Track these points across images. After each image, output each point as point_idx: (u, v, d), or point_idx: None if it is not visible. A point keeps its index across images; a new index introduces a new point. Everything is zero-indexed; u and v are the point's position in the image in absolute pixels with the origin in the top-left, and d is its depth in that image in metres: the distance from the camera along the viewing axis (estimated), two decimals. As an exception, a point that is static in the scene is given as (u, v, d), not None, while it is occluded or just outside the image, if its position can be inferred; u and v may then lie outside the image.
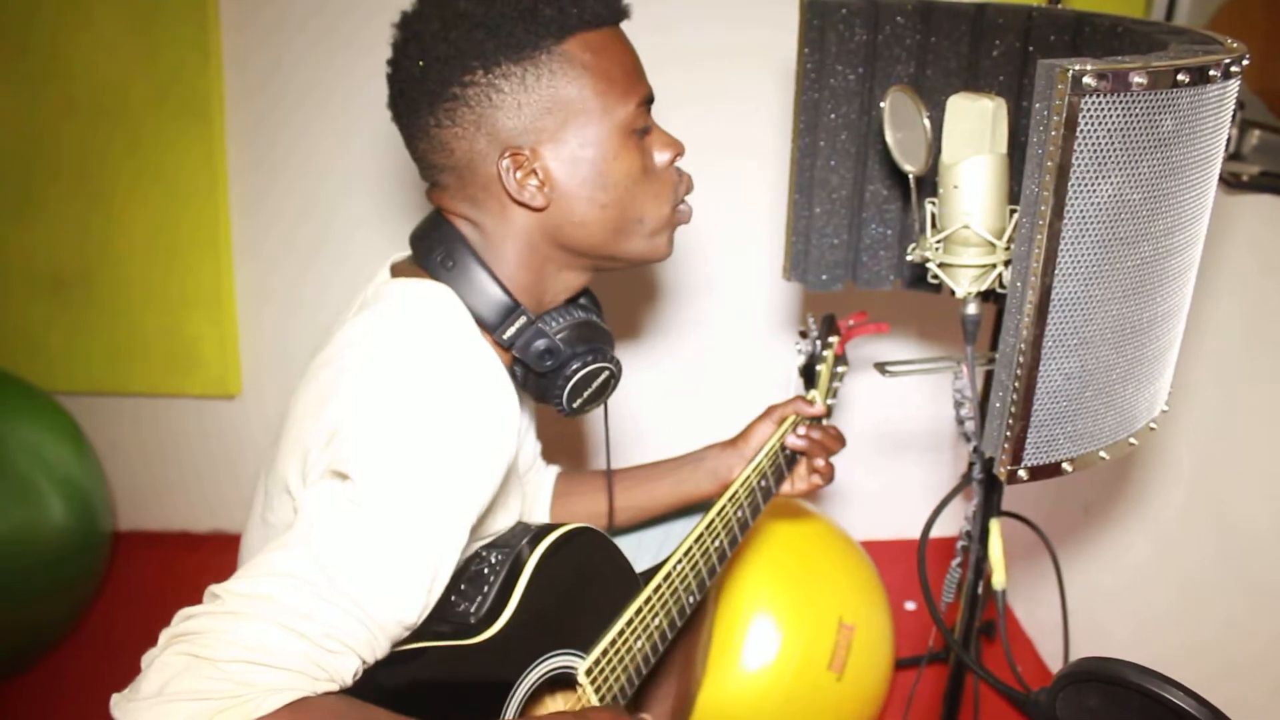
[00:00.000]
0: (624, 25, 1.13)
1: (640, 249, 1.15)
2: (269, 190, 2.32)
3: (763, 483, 1.41)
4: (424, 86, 1.05)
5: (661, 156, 1.15)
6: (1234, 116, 1.09)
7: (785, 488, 1.47)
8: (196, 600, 0.88)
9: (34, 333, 2.37)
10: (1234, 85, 1.05)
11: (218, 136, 2.24)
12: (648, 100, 1.13)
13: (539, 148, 1.06)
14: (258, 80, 2.23)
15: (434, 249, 1.11)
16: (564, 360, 1.14)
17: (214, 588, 0.87)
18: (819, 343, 1.55)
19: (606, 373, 1.18)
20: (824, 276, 1.60)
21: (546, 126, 1.05)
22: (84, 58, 2.17)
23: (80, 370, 2.40)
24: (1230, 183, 1.69)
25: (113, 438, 2.41)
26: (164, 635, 0.84)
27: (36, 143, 2.23)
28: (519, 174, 1.06)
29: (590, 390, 1.18)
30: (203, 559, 2.48)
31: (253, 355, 2.44)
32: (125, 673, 0.84)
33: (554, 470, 1.51)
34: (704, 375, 2.44)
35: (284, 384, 1.11)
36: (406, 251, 1.17)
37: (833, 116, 1.51)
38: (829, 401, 1.53)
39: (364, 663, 0.92)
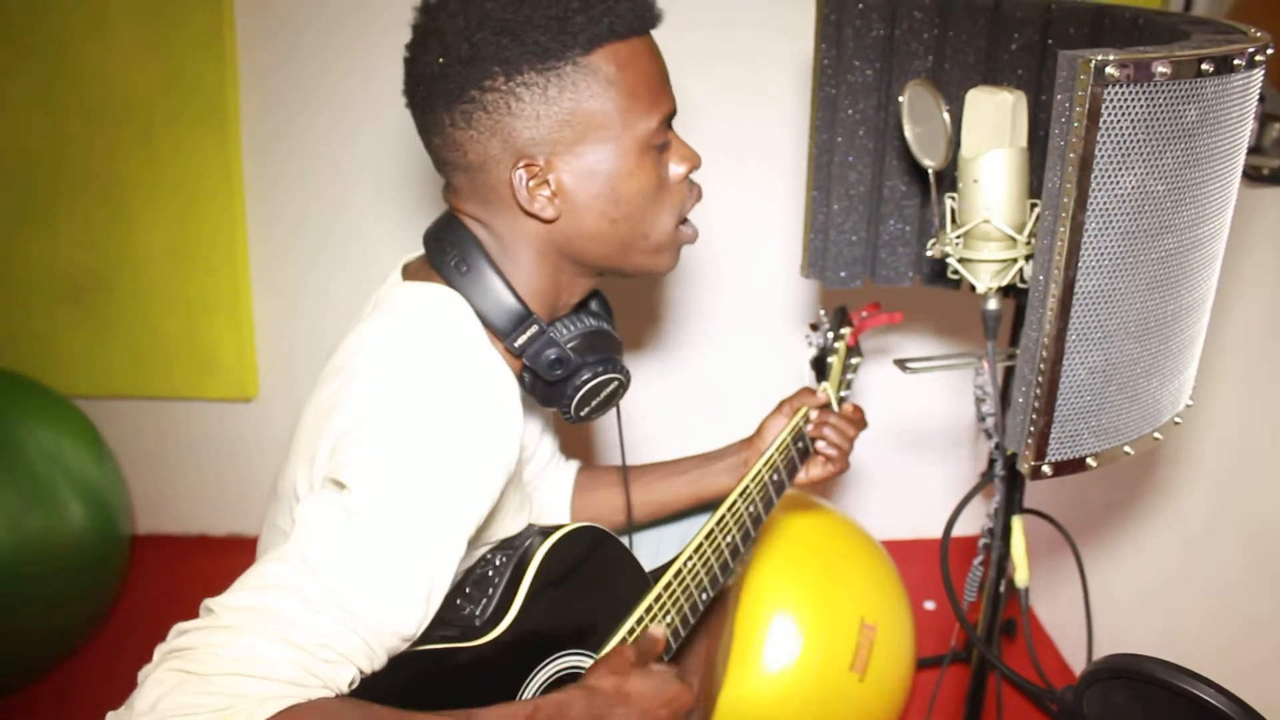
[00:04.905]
0: None
1: (644, 263, 1.14)
2: (284, 195, 2.32)
3: (774, 476, 1.39)
4: (441, 85, 1.02)
5: (677, 170, 1.12)
6: (1255, 109, 1.08)
7: (800, 476, 1.44)
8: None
9: (53, 337, 2.39)
10: (1258, 75, 1.04)
11: (233, 144, 2.25)
12: (670, 116, 1.10)
13: (553, 159, 1.03)
14: (273, 89, 2.24)
15: (448, 250, 1.09)
16: (574, 369, 1.13)
17: (209, 601, 0.86)
18: (830, 335, 1.54)
19: (615, 383, 1.17)
20: (842, 273, 1.59)
21: (564, 138, 1.03)
22: (104, 70, 2.19)
23: (99, 374, 2.41)
24: (1252, 176, 1.68)
25: (131, 441, 2.41)
26: (159, 651, 0.84)
27: (58, 152, 2.25)
28: (531, 183, 1.04)
29: (599, 400, 1.17)
30: (221, 562, 2.46)
31: (270, 358, 2.45)
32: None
33: (574, 465, 1.50)
34: (721, 373, 2.43)
35: (301, 387, 1.10)
36: (420, 251, 1.15)
37: (850, 112, 1.50)
38: (842, 394, 1.52)
39: (361, 672, 0.90)
